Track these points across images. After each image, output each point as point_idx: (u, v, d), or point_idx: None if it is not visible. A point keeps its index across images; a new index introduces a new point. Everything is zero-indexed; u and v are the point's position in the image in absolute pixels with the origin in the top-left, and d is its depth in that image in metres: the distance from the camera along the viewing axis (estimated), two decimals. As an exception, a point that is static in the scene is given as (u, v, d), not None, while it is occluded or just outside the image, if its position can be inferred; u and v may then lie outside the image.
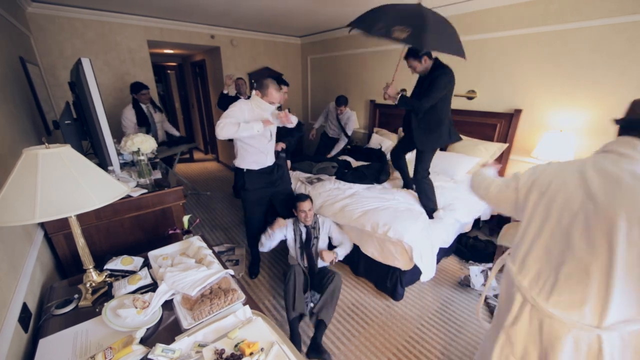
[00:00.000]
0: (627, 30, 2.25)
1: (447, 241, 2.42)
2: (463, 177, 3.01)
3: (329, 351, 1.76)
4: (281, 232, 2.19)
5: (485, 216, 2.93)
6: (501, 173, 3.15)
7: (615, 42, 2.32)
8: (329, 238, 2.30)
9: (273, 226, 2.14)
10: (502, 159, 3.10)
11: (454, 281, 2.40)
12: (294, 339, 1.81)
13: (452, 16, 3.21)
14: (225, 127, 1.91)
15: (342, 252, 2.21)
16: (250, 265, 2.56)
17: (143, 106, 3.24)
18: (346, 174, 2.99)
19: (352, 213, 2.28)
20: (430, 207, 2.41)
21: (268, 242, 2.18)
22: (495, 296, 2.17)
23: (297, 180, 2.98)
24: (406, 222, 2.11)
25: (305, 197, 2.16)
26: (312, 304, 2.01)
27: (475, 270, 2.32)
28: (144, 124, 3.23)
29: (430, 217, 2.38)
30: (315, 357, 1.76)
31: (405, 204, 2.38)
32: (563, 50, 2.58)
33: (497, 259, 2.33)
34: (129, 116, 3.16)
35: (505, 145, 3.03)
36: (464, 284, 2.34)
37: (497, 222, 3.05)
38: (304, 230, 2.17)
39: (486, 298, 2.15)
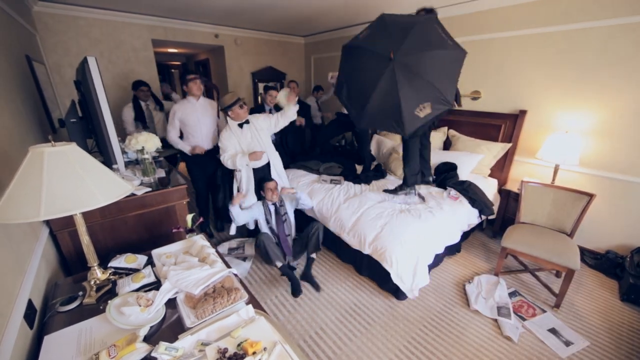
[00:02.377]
0: (635, 30, 2.22)
1: (446, 243, 2.41)
2: (467, 175, 2.99)
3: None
4: (252, 211, 2.45)
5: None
6: (505, 174, 3.13)
7: (623, 43, 2.29)
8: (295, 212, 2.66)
9: (233, 201, 2.36)
10: (506, 160, 3.08)
11: (457, 282, 2.39)
12: (293, 281, 2.27)
13: (457, 16, 3.19)
14: None
15: (303, 194, 2.51)
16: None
17: (142, 104, 3.26)
18: (354, 177, 3.03)
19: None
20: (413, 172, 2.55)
21: (239, 213, 2.39)
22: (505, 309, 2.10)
23: (318, 181, 3.01)
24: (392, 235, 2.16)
25: (270, 178, 2.50)
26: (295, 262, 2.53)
27: (471, 288, 2.27)
28: (140, 120, 3.25)
29: (405, 186, 2.53)
30: (306, 281, 2.32)
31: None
32: (569, 51, 2.56)
33: (500, 260, 2.32)
34: (128, 112, 3.20)
35: (509, 146, 3.01)
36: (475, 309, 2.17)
37: (501, 224, 3.04)
38: (272, 208, 2.48)
39: (499, 309, 2.04)
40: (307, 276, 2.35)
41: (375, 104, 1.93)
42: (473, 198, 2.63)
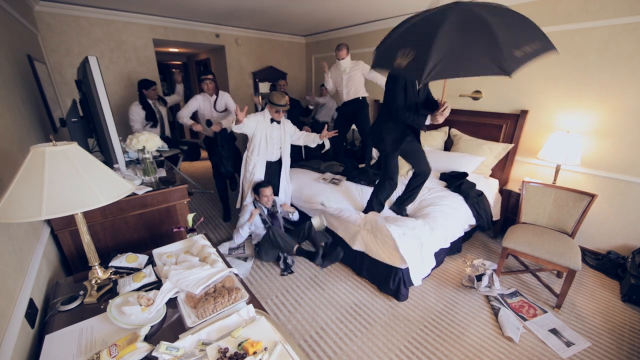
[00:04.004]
0: (636, 30, 2.22)
1: (447, 241, 2.41)
2: (468, 176, 2.99)
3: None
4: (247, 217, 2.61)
5: (495, 215, 2.92)
6: (506, 174, 3.13)
7: (624, 43, 2.28)
8: (283, 218, 2.82)
9: (251, 219, 2.56)
10: (507, 160, 3.08)
11: (457, 282, 2.38)
12: (310, 254, 2.37)
13: (458, 16, 3.18)
14: None
15: (296, 213, 2.77)
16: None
17: (150, 102, 3.30)
18: (355, 176, 3.02)
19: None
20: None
21: (245, 231, 2.60)
22: (502, 297, 2.16)
23: (319, 180, 3.05)
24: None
25: (267, 183, 2.60)
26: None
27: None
28: (151, 119, 3.27)
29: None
30: (331, 253, 2.33)
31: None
32: (571, 51, 2.55)
33: (501, 260, 2.31)
34: (137, 111, 3.22)
35: (511, 146, 3.00)
36: (468, 285, 2.32)
37: (502, 224, 3.03)
38: (265, 210, 2.64)
39: (490, 300, 2.15)
40: (325, 251, 2.41)
41: (443, 48, 1.42)
42: (479, 213, 2.65)
